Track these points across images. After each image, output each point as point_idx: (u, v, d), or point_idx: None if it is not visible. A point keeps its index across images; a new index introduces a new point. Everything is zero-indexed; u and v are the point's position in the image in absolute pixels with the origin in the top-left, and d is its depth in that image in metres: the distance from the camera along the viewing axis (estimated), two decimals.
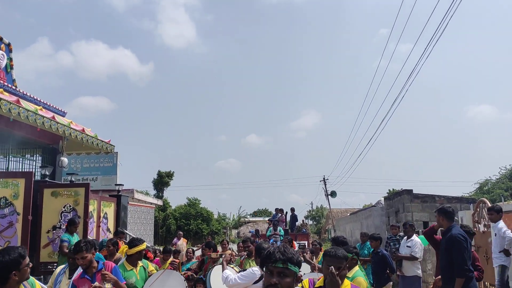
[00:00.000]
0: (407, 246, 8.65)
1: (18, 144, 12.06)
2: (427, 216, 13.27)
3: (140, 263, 5.67)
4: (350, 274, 4.89)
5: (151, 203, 17.92)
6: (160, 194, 40.96)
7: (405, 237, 8.94)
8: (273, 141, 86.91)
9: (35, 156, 13.18)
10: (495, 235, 6.40)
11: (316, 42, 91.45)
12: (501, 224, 6.46)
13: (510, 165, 39.07)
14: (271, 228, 15.50)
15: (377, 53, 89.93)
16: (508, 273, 6.42)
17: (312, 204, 56.23)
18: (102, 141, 13.59)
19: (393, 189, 52.65)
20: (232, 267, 5.55)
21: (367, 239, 9.90)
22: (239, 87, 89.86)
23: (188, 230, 36.48)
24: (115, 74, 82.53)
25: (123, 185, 13.62)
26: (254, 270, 5.02)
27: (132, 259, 5.56)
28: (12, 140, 11.65)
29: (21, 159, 12.51)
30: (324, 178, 33.80)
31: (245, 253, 8.44)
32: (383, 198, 36.09)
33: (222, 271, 5.29)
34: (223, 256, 8.07)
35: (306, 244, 15.89)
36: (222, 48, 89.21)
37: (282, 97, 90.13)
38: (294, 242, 13.47)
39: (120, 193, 12.89)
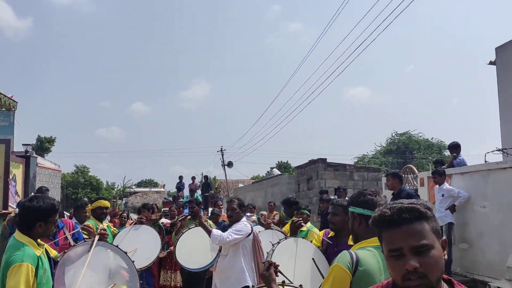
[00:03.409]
0: None
1: None
2: (338, 183, 14.27)
3: (105, 223, 5.50)
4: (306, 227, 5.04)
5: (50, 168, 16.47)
6: None
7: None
8: (160, 111, 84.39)
9: None
10: (442, 196, 7.15)
11: (210, 11, 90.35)
12: (447, 185, 7.25)
13: (385, 142, 43.68)
14: (188, 194, 15.38)
15: (270, 30, 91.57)
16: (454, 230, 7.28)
17: (202, 174, 56.32)
18: (5, 96, 11.98)
19: (280, 161, 55.36)
20: (210, 225, 5.43)
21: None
22: (125, 51, 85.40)
23: (76, 199, 34.40)
24: None
25: (31, 145, 12.28)
26: (245, 223, 4.96)
27: (98, 216, 5.31)
28: None
29: None
30: (222, 148, 34.11)
31: (188, 215, 8.26)
32: (276, 169, 37.38)
33: (210, 233, 4.84)
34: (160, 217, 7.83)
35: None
36: (110, 9, 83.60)
37: (171, 65, 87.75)
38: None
39: (28, 154, 11.67)
